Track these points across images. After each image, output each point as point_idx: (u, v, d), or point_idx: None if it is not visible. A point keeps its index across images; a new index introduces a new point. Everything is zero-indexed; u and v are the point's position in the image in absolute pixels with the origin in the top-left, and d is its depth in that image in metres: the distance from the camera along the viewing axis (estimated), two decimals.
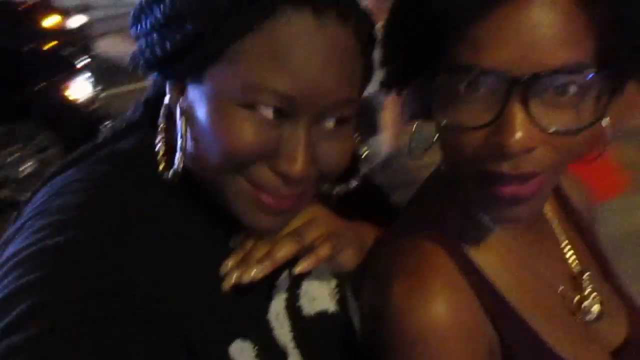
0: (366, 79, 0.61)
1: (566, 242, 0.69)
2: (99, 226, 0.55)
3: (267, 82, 0.53)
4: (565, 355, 0.59)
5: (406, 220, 0.68)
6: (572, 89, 0.50)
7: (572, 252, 0.69)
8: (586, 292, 0.65)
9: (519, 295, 0.61)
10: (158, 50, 0.56)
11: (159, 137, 0.62)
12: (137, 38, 0.60)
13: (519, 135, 0.49)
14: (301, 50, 0.53)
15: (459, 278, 0.59)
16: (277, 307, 0.67)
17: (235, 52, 0.53)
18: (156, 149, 0.62)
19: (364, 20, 0.58)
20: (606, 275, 0.70)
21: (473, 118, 0.52)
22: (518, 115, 0.49)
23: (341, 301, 0.72)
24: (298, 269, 0.61)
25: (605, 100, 0.53)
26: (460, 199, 0.61)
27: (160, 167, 0.61)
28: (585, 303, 0.64)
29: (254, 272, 0.59)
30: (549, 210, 0.71)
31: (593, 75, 0.50)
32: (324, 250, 0.63)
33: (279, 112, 0.54)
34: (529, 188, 0.53)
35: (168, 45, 0.55)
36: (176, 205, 0.62)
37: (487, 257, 0.62)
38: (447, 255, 0.60)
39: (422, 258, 0.60)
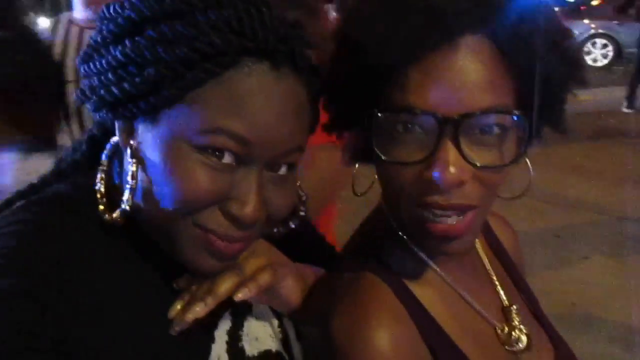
0: (313, 127, 0.64)
1: (495, 277, 0.73)
2: (33, 276, 0.53)
3: (227, 126, 0.54)
4: None
5: (348, 255, 0.70)
6: (496, 129, 0.55)
7: (500, 287, 0.73)
8: (514, 324, 0.69)
9: (455, 326, 0.63)
10: (115, 91, 0.56)
11: (99, 177, 0.62)
12: (87, 76, 0.60)
13: (451, 169, 0.53)
14: (259, 99, 0.55)
15: (400, 310, 0.61)
16: (219, 350, 0.66)
17: (195, 96, 0.54)
18: (97, 187, 0.61)
19: (314, 73, 0.61)
20: (533, 311, 0.75)
21: (409, 155, 0.56)
22: (450, 151, 0.54)
23: (284, 341, 0.73)
24: (239, 295, 0.61)
25: (524, 141, 0.58)
26: (398, 234, 0.64)
27: (101, 208, 0.60)
28: (514, 334, 0.68)
29: (197, 310, 0.59)
30: (480, 247, 0.75)
31: (514, 118, 0.56)
32: (264, 278, 0.63)
33: (234, 157, 0.56)
34: (460, 226, 0.57)
35: (126, 86, 0.55)
36: (117, 248, 0.61)
37: (425, 290, 0.64)
38: (389, 288, 0.62)
39: (364, 291, 0.62)
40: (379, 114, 0.57)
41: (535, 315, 0.74)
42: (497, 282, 0.73)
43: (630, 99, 7.64)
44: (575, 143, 5.76)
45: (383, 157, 0.58)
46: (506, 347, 0.67)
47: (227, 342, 0.67)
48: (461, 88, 0.54)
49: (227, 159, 0.55)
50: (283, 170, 0.59)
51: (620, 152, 5.95)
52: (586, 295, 3.00)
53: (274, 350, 0.71)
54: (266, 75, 0.56)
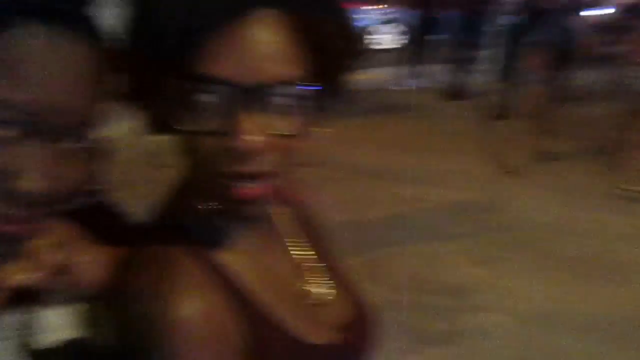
0: (101, 98, 0.61)
1: (293, 240, 0.78)
2: None
3: (7, 97, 0.49)
4: (300, 336, 0.67)
5: (152, 229, 0.69)
6: (289, 99, 0.59)
7: (299, 249, 0.78)
8: (314, 281, 0.75)
9: (259, 289, 0.67)
10: None
11: None
12: None
13: (249, 138, 0.56)
14: (35, 64, 0.51)
15: (207, 280, 0.62)
16: (9, 347, 0.61)
17: None
18: None
19: (100, 38, 0.58)
20: (330, 268, 0.82)
21: (207, 124, 0.57)
22: (247, 121, 0.56)
23: (86, 324, 0.69)
24: (21, 279, 0.56)
25: (315, 113, 0.63)
26: (200, 205, 0.65)
27: None
28: (315, 290, 0.74)
29: None
30: (277, 212, 0.79)
31: (305, 89, 0.60)
32: (53, 257, 0.59)
33: (20, 129, 0.51)
34: (258, 191, 0.60)
35: None
36: None
37: (229, 258, 0.66)
38: (194, 259, 0.63)
39: (170, 265, 0.61)
40: (177, 83, 0.56)
41: (333, 271, 0.81)
42: (294, 245, 0.78)
43: (411, 76, 8.72)
44: (363, 116, 6.39)
45: (182, 128, 0.58)
46: (309, 302, 0.74)
47: (19, 336, 0.62)
48: (256, 59, 0.56)
49: (13, 131, 0.50)
50: (71, 143, 0.56)
51: (403, 124, 6.77)
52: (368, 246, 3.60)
53: (74, 337, 0.66)
54: (41, 38, 0.52)
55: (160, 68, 0.57)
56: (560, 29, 6.00)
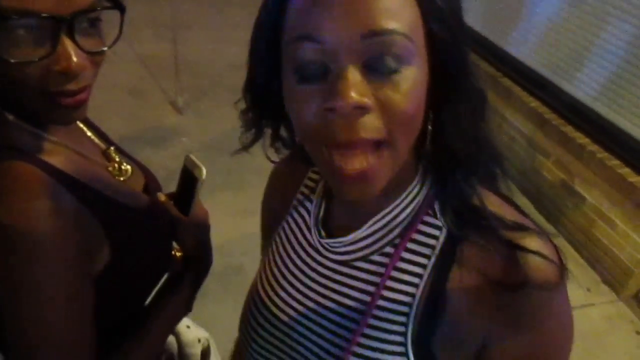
0: None
1: (89, 131, 0.87)
2: None
3: None
4: (127, 202, 0.79)
5: None
6: (95, 22, 0.67)
7: (95, 137, 0.87)
8: (117, 160, 0.86)
9: (80, 176, 0.73)
10: None
11: None
12: None
13: (72, 60, 0.63)
14: None
15: (52, 182, 0.67)
16: None
17: None
18: None
19: None
20: (118, 149, 0.90)
21: (34, 53, 0.62)
22: (67, 45, 0.63)
23: None
24: None
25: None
26: (13, 121, 0.70)
27: None
28: (122, 167, 0.86)
29: None
30: None
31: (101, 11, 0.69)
32: None
33: None
34: (84, 97, 0.69)
35: None
36: None
37: (57, 159, 0.72)
38: (35, 168, 0.67)
39: (18, 178, 0.65)
40: None
41: (121, 151, 0.90)
42: (92, 135, 0.87)
43: None
44: None
45: (9, 60, 0.62)
46: (119, 178, 0.84)
47: None
48: None
49: None
50: None
51: None
52: None
53: None
54: None
55: None
56: None
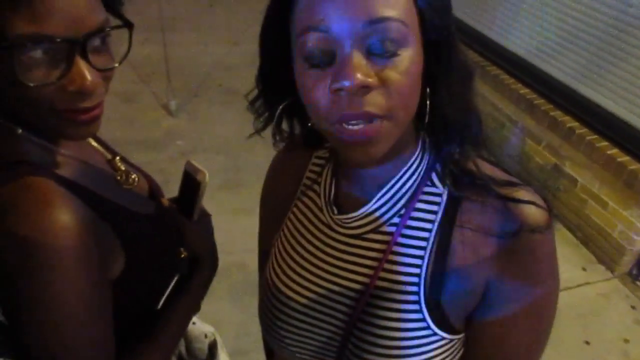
0: None
1: (94, 141, 0.89)
2: None
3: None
4: (138, 210, 0.81)
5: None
6: (105, 40, 0.69)
7: (99, 146, 0.89)
8: (123, 169, 0.87)
9: (95, 186, 0.75)
10: None
11: None
12: None
13: (87, 80, 0.65)
14: None
15: (70, 195, 0.68)
16: None
17: None
18: None
19: None
20: (122, 158, 0.91)
21: (50, 75, 0.64)
22: (81, 65, 0.64)
23: None
24: None
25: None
26: (30, 137, 0.72)
27: None
28: (129, 177, 0.87)
29: None
30: None
31: (111, 29, 0.70)
32: None
33: None
34: (98, 112, 0.70)
35: None
36: None
37: (65, 171, 0.73)
38: (50, 181, 0.68)
39: (27, 191, 0.66)
40: (14, 44, 0.61)
41: (125, 161, 0.92)
42: (96, 145, 0.89)
43: None
44: None
45: (29, 83, 0.63)
46: (125, 186, 0.86)
47: None
48: (78, 13, 0.63)
49: None
50: None
51: None
52: None
53: None
54: None
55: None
56: None
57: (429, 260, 0.68)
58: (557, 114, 2.92)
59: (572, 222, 2.86)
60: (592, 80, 2.82)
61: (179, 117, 3.73)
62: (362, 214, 0.71)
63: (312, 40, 0.57)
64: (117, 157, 0.89)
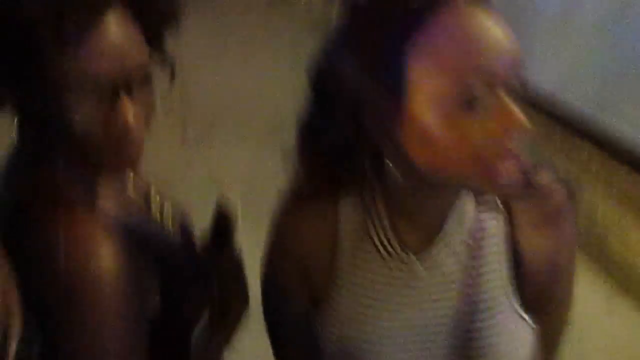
0: None
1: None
2: None
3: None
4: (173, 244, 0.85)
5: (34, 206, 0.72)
6: (146, 78, 0.72)
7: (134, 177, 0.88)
8: (158, 201, 0.88)
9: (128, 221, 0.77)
10: None
11: None
12: None
13: (130, 120, 0.67)
14: None
15: (105, 227, 0.69)
16: None
17: None
18: None
19: None
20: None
21: (96, 113, 0.66)
22: (126, 105, 0.67)
23: None
24: None
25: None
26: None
27: None
28: (165, 209, 0.88)
29: None
30: None
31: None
32: None
33: None
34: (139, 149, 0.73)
35: None
36: None
37: (104, 204, 0.74)
38: (86, 215, 0.69)
39: (69, 225, 0.66)
40: (54, 84, 0.63)
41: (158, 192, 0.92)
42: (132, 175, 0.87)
43: None
44: None
45: (71, 117, 0.65)
46: (163, 220, 0.87)
47: None
48: (122, 52, 0.66)
49: None
50: None
51: None
52: None
53: None
54: None
55: (17, 69, 0.64)
56: None
57: (506, 260, 0.76)
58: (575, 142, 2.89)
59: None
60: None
61: (196, 149, 3.75)
62: (435, 251, 0.75)
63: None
64: (152, 188, 0.90)
